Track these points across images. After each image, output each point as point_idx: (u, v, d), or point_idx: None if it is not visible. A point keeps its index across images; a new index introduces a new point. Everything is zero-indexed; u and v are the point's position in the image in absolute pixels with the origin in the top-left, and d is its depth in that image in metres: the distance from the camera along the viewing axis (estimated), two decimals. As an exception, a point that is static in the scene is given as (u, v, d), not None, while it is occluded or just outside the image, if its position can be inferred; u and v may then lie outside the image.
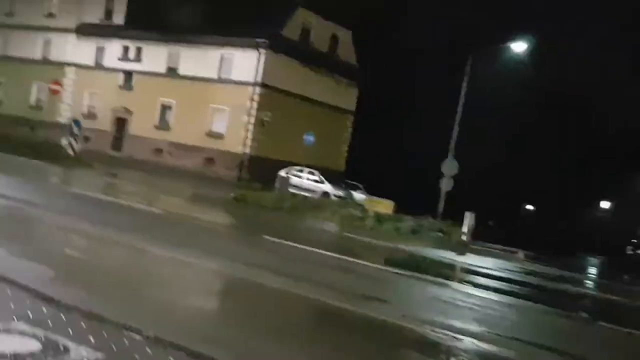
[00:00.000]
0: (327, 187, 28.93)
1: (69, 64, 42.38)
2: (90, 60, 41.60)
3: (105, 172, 24.87)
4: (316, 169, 30.50)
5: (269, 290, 8.43)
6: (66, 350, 4.41)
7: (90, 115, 40.79)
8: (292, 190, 27.42)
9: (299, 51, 36.48)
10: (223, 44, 36.12)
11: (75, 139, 26.07)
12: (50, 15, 43.71)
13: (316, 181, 29.49)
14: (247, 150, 34.82)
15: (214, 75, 36.44)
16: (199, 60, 36.96)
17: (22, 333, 4.59)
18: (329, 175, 30.45)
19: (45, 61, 43.41)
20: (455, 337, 7.43)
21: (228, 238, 13.75)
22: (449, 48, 38.21)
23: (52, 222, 11.14)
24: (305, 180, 29.38)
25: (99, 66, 41.23)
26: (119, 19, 41.15)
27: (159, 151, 37.31)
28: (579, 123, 44.57)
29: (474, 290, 12.00)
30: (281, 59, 35.54)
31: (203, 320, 6.61)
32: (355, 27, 40.36)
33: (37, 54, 44.02)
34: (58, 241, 9.72)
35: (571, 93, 43.34)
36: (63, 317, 5.15)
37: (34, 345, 4.37)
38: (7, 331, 4.58)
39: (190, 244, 11.02)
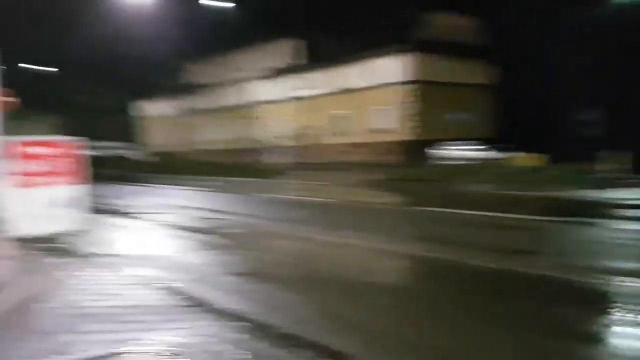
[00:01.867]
0: (480, 153, 26.49)
1: (261, 102, 44.07)
2: (275, 96, 42.86)
3: (297, 177, 24.75)
4: (469, 140, 28.19)
5: (424, 260, 7.22)
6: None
7: (283, 137, 42.04)
8: (448, 162, 25.49)
9: (437, 46, 34.31)
10: (375, 56, 35.13)
11: (270, 157, 26.70)
12: (243, 69, 45.77)
13: (469, 150, 27.12)
14: (408, 137, 33.43)
15: (372, 83, 35.55)
16: (359, 74, 36.37)
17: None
18: (481, 143, 27.90)
19: (245, 104, 45.61)
20: (617, 282, 5.62)
21: (389, 215, 12.59)
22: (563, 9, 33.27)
23: (237, 222, 10.73)
24: (458, 152, 27.14)
25: (282, 99, 42.30)
26: (292, 59, 41.98)
27: (340, 152, 37.21)
28: None
29: (626, 225, 9.66)
30: (423, 56, 33.70)
31: (346, 304, 5.37)
32: (481, 14, 37.22)
33: (239, 100, 46.39)
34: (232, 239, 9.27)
35: None
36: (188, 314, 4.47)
37: None
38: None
39: (353, 227, 10.03)
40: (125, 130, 55.48)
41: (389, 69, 34.45)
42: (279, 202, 15.39)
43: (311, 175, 26.56)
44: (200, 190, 18.89)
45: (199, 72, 51.53)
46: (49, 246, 7.17)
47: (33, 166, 7.04)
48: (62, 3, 40.60)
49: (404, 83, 33.69)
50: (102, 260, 6.79)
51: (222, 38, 45.36)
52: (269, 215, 12.24)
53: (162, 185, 21.63)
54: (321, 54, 37.67)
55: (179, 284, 5.55)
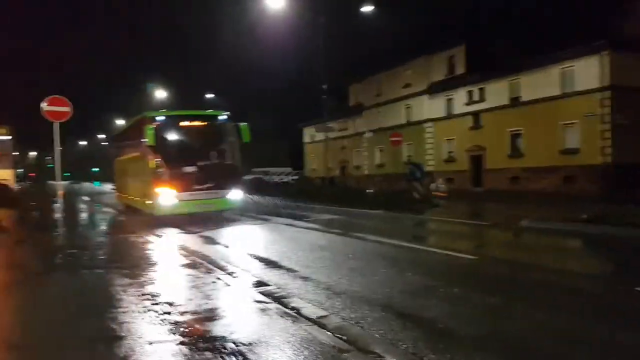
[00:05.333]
0: None
1: (426, 120, 39.64)
2: (442, 112, 38.10)
3: (444, 212, 19.46)
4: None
5: None
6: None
7: (450, 159, 37.08)
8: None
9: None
10: (560, 60, 28.57)
11: (419, 182, 22.08)
12: (407, 85, 42.01)
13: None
14: (608, 160, 26.20)
15: (557, 92, 28.89)
16: (538, 82, 29.95)
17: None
18: None
19: (409, 123, 41.54)
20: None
21: (579, 295, 7.47)
22: None
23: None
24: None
25: (450, 115, 37.38)
26: (460, 69, 37.20)
27: (515, 179, 30.98)
28: None
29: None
30: (627, 56, 26.39)
31: None
32: None
33: (402, 120, 42.54)
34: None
35: None
36: None
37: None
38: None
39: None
40: (286, 155, 55.06)
41: (581, 74, 27.72)
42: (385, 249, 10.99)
43: (469, 210, 21.45)
44: (303, 228, 15.27)
45: (361, 93, 49.01)
46: None
47: None
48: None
49: (600, 90, 26.71)
50: None
51: (385, 53, 42.34)
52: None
53: (276, 218, 18.52)
54: (494, 62, 32.27)
55: None
